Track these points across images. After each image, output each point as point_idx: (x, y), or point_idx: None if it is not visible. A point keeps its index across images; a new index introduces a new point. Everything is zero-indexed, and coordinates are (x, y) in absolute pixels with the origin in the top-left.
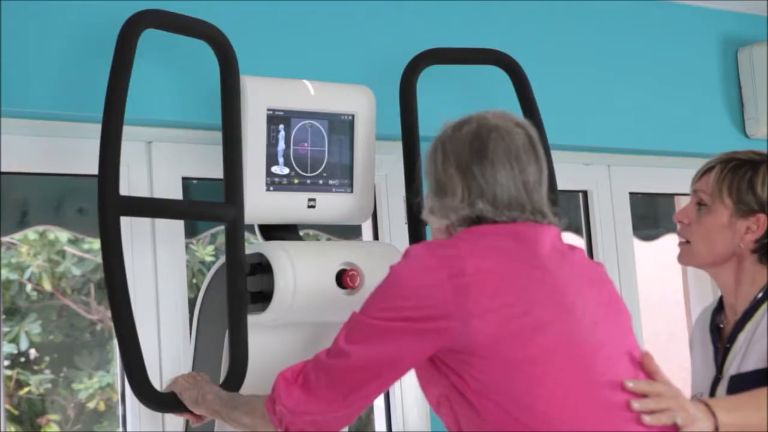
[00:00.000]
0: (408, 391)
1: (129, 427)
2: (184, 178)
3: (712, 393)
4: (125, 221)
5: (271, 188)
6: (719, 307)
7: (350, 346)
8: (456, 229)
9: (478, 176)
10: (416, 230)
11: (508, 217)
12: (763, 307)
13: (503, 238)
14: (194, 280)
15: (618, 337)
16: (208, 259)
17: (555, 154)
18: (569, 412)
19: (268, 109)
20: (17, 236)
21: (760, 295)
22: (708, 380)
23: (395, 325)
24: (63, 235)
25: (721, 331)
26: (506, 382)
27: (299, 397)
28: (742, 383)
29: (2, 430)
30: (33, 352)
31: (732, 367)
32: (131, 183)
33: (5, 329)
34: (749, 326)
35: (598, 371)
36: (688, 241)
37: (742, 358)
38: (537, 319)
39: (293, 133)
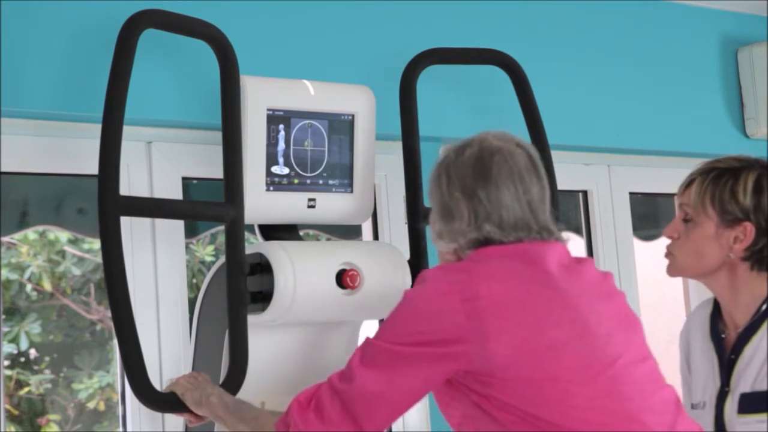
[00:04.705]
0: None
1: (129, 427)
2: (184, 178)
3: (720, 406)
4: (125, 221)
5: (271, 188)
6: (717, 313)
7: (364, 371)
8: (464, 252)
9: (483, 199)
10: (416, 230)
11: (515, 238)
12: None
13: (513, 259)
14: (194, 280)
15: (633, 346)
16: (208, 259)
17: (555, 154)
18: (594, 423)
19: (268, 109)
20: (17, 236)
21: (764, 307)
22: (712, 391)
23: (410, 350)
24: (63, 235)
25: (722, 341)
26: (530, 400)
27: (314, 423)
28: (757, 402)
29: (2, 430)
30: (33, 352)
31: (742, 383)
32: (131, 183)
33: (5, 329)
34: (756, 339)
35: (618, 381)
36: (672, 254)
37: (757, 376)
38: (553, 339)
39: (293, 133)
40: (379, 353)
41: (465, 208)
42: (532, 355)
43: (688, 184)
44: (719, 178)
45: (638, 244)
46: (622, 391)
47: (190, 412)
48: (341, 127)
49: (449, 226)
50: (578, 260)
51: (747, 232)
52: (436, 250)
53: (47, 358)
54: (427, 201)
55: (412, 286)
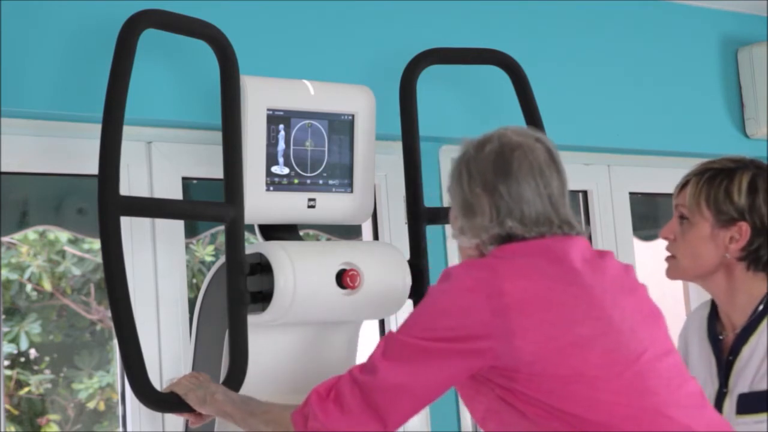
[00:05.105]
0: None
1: (129, 427)
2: (184, 178)
3: (718, 407)
4: (125, 221)
5: (271, 188)
6: (714, 314)
7: (387, 364)
8: (486, 248)
9: (504, 195)
10: (416, 230)
11: (537, 233)
12: (766, 321)
13: (536, 256)
14: (194, 280)
15: (657, 340)
16: (208, 259)
17: None
18: (621, 418)
19: (268, 109)
20: (17, 236)
21: (761, 307)
22: (710, 393)
23: (434, 345)
24: (63, 235)
25: (720, 342)
26: (555, 395)
27: (335, 415)
28: (756, 402)
29: (2, 430)
30: (33, 352)
31: (740, 384)
32: (131, 183)
33: (5, 329)
34: (753, 339)
35: (644, 376)
36: (673, 256)
37: (755, 376)
38: (578, 336)
39: (293, 133)
40: (403, 347)
41: (486, 203)
42: (558, 352)
43: (683, 185)
44: (714, 178)
45: (638, 244)
46: (648, 386)
47: (190, 411)
48: (341, 127)
49: (471, 222)
50: (600, 254)
51: (742, 232)
52: (457, 246)
53: (47, 358)
54: (447, 198)
55: (435, 283)
